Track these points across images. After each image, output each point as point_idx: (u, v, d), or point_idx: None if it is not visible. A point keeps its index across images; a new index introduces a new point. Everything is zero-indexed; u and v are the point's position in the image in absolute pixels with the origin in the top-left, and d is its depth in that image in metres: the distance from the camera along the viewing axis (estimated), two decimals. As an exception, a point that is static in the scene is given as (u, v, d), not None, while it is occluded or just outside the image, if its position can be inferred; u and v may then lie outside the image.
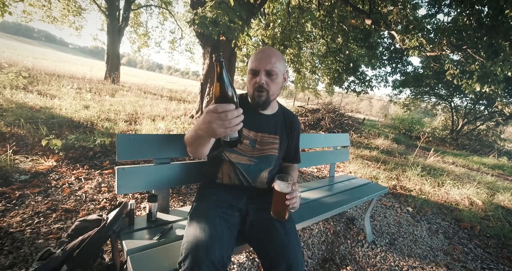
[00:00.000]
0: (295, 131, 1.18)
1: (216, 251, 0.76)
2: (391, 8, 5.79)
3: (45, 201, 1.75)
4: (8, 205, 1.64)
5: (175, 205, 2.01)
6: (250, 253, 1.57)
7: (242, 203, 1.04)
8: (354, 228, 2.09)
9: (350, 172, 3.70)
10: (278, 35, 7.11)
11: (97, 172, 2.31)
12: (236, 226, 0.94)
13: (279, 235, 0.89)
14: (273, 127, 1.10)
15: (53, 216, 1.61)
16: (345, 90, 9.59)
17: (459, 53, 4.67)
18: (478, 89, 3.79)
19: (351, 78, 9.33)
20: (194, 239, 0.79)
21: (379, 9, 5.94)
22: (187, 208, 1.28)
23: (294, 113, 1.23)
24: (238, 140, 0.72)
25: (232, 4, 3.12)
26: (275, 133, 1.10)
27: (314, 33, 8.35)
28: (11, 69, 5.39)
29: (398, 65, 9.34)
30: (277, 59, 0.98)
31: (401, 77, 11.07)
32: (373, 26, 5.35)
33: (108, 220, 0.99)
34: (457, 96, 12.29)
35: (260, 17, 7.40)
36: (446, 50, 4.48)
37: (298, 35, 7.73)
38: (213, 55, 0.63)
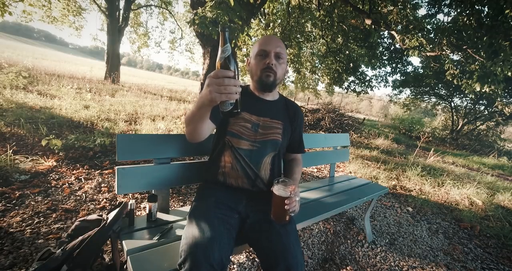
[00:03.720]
0: (298, 119, 1.18)
1: (215, 253, 0.75)
2: (391, 8, 5.80)
3: (45, 201, 1.75)
4: (8, 205, 1.64)
5: (175, 205, 2.01)
6: (250, 253, 1.57)
7: (242, 206, 1.01)
8: (354, 228, 2.09)
9: (350, 172, 3.70)
10: (278, 35, 7.10)
11: (97, 172, 2.31)
12: (235, 228, 0.93)
13: (278, 236, 0.88)
14: (275, 113, 1.11)
15: (53, 216, 1.61)
16: (345, 90, 9.59)
17: (459, 53, 4.67)
18: (478, 89, 3.79)
19: (351, 78, 9.32)
20: (192, 241, 0.78)
21: (379, 9, 5.94)
22: (187, 208, 1.28)
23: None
24: (233, 111, 0.71)
25: (232, 4, 3.12)
26: (278, 119, 1.10)
27: (314, 33, 8.34)
28: (11, 69, 5.39)
29: (398, 65, 9.33)
30: (283, 45, 1.03)
31: (401, 77, 11.06)
32: (373, 26, 5.35)
33: (108, 220, 0.99)
34: (457, 96, 12.29)
35: (260, 17, 7.39)
36: (446, 50, 4.48)
37: (298, 35, 7.72)
38: (220, 25, 0.68)
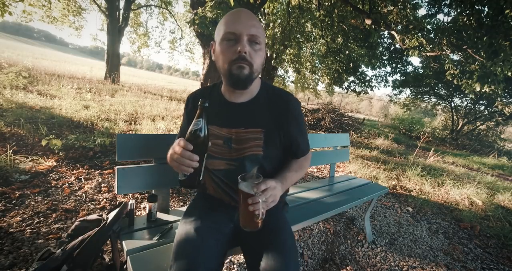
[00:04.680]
0: (288, 115, 0.87)
1: (199, 262, 0.71)
2: (391, 8, 5.80)
3: (45, 201, 1.75)
4: (8, 205, 1.64)
5: (175, 205, 2.01)
6: (250, 253, 1.56)
7: (236, 216, 0.91)
8: (354, 228, 2.09)
9: (350, 172, 3.70)
10: (278, 35, 7.10)
11: (97, 172, 2.31)
12: (226, 236, 0.86)
13: (269, 243, 0.79)
14: (251, 118, 0.85)
15: (53, 216, 1.61)
16: (345, 90, 9.60)
17: (459, 53, 4.67)
18: (478, 89, 3.79)
19: (351, 78, 9.34)
20: (179, 251, 0.74)
21: (379, 9, 5.94)
22: (187, 208, 1.28)
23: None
24: (186, 182, 0.71)
25: (232, 4, 3.12)
26: (256, 126, 0.85)
27: (314, 33, 8.33)
28: (11, 69, 5.39)
29: (398, 65, 9.34)
30: (258, 23, 0.77)
31: (401, 77, 11.07)
32: (373, 26, 5.35)
33: (108, 220, 0.99)
34: (457, 96, 12.30)
35: (260, 17, 7.40)
36: (446, 50, 4.48)
37: (298, 35, 7.71)
38: (200, 99, 0.67)
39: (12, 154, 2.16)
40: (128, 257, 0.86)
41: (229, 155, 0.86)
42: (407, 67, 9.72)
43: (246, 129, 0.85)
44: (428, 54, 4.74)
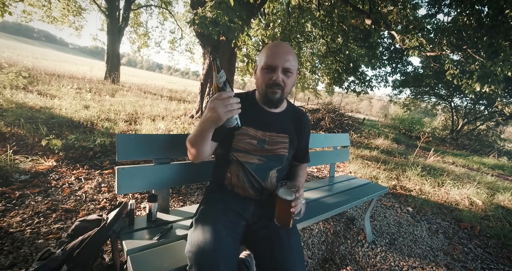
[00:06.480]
0: (305, 129, 1.13)
1: (219, 266, 0.75)
2: (391, 8, 5.80)
3: (45, 201, 1.75)
4: (8, 205, 1.64)
5: (175, 205, 2.01)
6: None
7: (249, 213, 1.00)
8: (354, 228, 2.09)
9: (350, 172, 3.70)
10: (278, 35, 7.10)
11: (97, 172, 2.31)
12: (240, 234, 0.93)
13: (279, 246, 0.87)
14: (281, 126, 1.06)
15: (53, 216, 1.61)
16: (345, 90, 9.60)
17: (459, 53, 4.67)
18: (478, 89, 3.79)
19: (351, 78, 9.33)
20: (198, 249, 0.78)
21: (379, 9, 5.95)
22: (187, 208, 1.28)
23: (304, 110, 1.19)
24: (236, 126, 0.82)
25: (232, 4, 3.12)
26: (284, 132, 1.05)
27: (314, 33, 8.33)
28: (11, 69, 5.39)
29: (398, 65, 9.34)
30: (293, 56, 0.96)
31: (401, 77, 11.07)
32: (373, 26, 5.35)
33: (108, 220, 0.99)
34: (457, 96, 12.30)
35: (260, 17, 7.38)
36: (446, 50, 4.48)
37: (298, 35, 7.71)
38: (210, 56, 0.72)
39: (12, 154, 2.16)
40: (128, 257, 0.86)
41: (261, 153, 1.01)
42: (407, 67, 9.72)
43: (277, 134, 1.04)
44: (428, 54, 4.74)
